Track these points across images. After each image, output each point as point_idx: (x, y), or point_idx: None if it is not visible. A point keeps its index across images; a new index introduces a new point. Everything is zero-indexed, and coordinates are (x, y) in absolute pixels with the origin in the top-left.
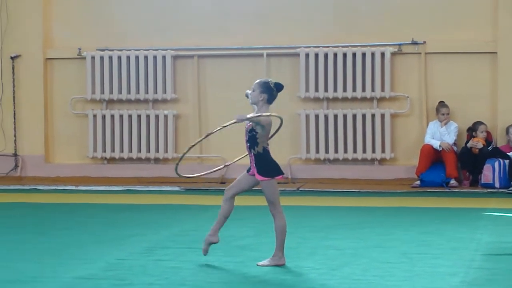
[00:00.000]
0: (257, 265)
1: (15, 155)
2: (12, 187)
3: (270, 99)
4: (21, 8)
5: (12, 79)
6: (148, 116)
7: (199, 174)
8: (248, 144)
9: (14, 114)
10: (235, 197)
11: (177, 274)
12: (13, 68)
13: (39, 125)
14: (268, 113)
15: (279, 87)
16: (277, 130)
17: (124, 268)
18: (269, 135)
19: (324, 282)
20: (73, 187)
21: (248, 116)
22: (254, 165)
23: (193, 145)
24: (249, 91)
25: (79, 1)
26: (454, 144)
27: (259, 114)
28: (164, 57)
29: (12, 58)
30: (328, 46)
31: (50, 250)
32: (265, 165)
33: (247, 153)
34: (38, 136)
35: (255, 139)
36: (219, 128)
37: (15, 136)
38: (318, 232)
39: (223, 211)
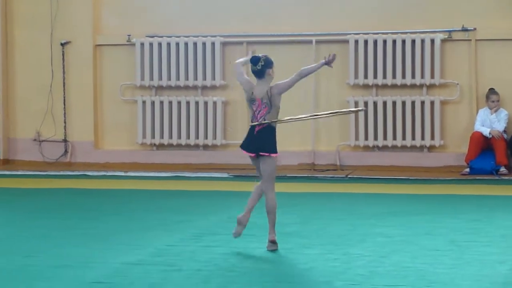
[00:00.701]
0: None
1: (65, 141)
2: (61, 173)
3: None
4: None
5: (62, 65)
6: (197, 103)
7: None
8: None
9: (64, 100)
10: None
11: (226, 261)
12: (63, 55)
13: (89, 111)
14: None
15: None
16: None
17: (173, 254)
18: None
19: (373, 269)
20: (122, 173)
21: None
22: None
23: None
24: None
25: None
26: (504, 131)
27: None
28: (213, 44)
29: (62, 44)
30: (377, 33)
31: (100, 236)
32: (275, 140)
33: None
34: (87, 122)
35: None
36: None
37: (65, 122)
38: (367, 219)
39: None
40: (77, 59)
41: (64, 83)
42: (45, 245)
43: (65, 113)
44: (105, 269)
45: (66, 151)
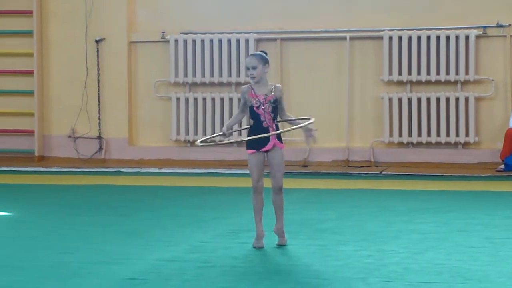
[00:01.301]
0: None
1: (99, 137)
2: (96, 169)
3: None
4: None
5: (97, 62)
6: (230, 99)
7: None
8: (272, 115)
9: (99, 97)
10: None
11: (260, 257)
12: (97, 51)
13: (123, 108)
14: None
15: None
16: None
17: (207, 250)
18: None
19: (407, 266)
20: (157, 170)
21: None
22: (274, 136)
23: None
24: (250, 69)
25: None
26: None
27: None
28: (247, 40)
29: (96, 41)
30: (412, 29)
31: (134, 232)
32: (280, 134)
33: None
34: (122, 119)
35: (277, 109)
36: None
37: (99, 119)
38: (402, 216)
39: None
40: (111, 56)
41: (98, 80)
42: (80, 242)
43: (99, 110)
44: (140, 266)
45: (100, 148)
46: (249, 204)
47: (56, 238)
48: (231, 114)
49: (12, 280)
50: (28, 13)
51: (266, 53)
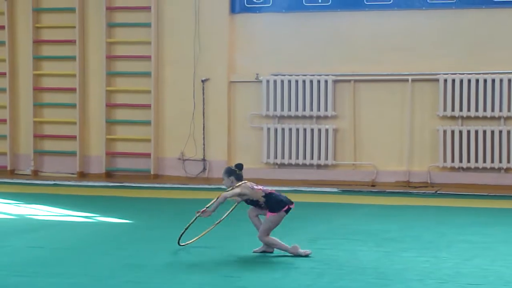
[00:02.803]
0: (253, 252)
1: (203, 160)
2: (200, 186)
3: (239, 177)
4: (210, 40)
5: (202, 98)
6: (312, 130)
7: (195, 239)
8: (261, 205)
9: (203, 126)
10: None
11: (335, 261)
12: (203, 89)
13: (223, 136)
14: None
15: (239, 166)
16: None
17: (291, 254)
18: (253, 190)
19: (458, 270)
20: None
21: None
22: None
23: (187, 227)
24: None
25: (257, 35)
26: None
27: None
28: (326, 81)
29: (202, 81)
30: (463, 73)
31: (229, 237)
32: (274, 203)
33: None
34: (222, 144)
35: (254, 201)
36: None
37: (203, 144)
38: (454, 229)
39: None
40: (214, 93)
41: (203, 112)
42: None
43: (204, 137)
44: (238, 265)
45: (204, 168)
46: (325, 217)
47: (169, 241)
48: (312, 142)
49: (135, 276)
50: (147, 58)
51: (235, 166)
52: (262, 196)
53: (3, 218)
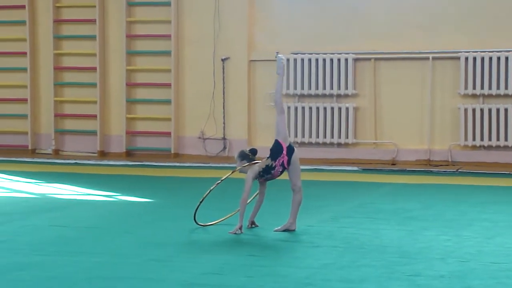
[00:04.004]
0: (274, 231)
1: (223, 138)
2: (221, 165)
3: (251, 162)
4: (230, 18)
5: (222, 77)
6: (332, 108)
7: (215, 222)
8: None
9: (224, 105)
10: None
11: (357, 239)
12: (223, 68)
13: (243, 115)
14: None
15: (253, 151)
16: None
17: (313, 233)
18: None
19: (480, 248)
20: None
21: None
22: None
23: (207, 193)
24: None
25: (277, 12)
26: None
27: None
28: (346, 60)
29: (222, 60)
30: (484, 51)
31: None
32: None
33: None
34: (242, 123)
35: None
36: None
37: (224, 123)
38: (475, 207)
39: (299, 200)
40: (234, 72)
41: (223, 91)
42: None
43: (224, 116)
44: (259, 244)
45: (224, 147)
46: (346, 195)
47: (188, 220)
48: (332, 121)
49: (157, 254)
50: (167, 37)
51: (249, 151)
52: (267, 158)
53: (25, 197)
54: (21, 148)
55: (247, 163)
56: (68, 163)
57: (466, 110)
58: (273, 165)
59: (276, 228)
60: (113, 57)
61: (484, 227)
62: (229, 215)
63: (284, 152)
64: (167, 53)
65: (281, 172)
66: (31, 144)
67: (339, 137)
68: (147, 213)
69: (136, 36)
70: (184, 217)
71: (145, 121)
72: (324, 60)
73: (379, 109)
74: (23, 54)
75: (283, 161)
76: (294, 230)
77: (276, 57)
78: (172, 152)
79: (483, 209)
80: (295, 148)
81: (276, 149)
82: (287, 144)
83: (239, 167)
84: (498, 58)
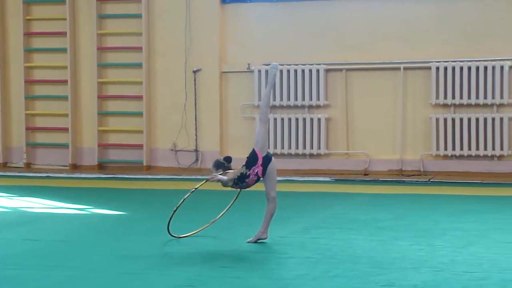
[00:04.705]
0: (246, 242)
1: (196, 150)
2: (193, 176)
3: (226, 170)
4: (201, 30)
5: (194, 88)
6: (304, 119)
7: (189, 234)
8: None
9: (196, 117)
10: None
11: (329, 250)
12: (194, 80)
13: (215, 126)
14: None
15: (228, 159)
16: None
17: (286, 244)
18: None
19: (453, 258)
20: None
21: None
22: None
23: (178, 206)
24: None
25: (248, 24)
26: None
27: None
28: (318, 71)
29: (194, 71)
30: (455, 61)
31: (227, 227)
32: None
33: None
34: (214, 135)
35: (241, 177)
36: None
37: (196, 135)
38: (447, 217)
39: (272, 210)
40: (206, 84)
41: (195, 103)
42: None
43: (196, 127)
44: (232, 256)
45: (197, 159)
46: (318, 206)
47: (161, 232)
48: (304, 131)
49: (130, 267)
50: (138, 49)
51: (223, 159)
52: (243, 166)
53: None
54: None
55: (222, 172)
56: (40, 176)
57: (437, 120)
58: (248, 173)
59: (248, 239)
60: (84, 70)
61: (456, 237)
62: (203, 227)
63: (259, 162)
64: (138, 65)
65: (256, 181)
66: (2, 157)
67: (311, 147)
68: (120, 226)
69: (107, 49)
70: (157, 229)
71: (117, 134)
72: (295, 71)
73: (351, 120)
74: None
75: (257, 171)
76: (265, 239)
77: (270, 65)
78: (145, 164)
79: (456, 219)
80: (272, 158)
81: (252, 158)
82: (264, 154)
83: (212, 175)
84: (469, 68)
